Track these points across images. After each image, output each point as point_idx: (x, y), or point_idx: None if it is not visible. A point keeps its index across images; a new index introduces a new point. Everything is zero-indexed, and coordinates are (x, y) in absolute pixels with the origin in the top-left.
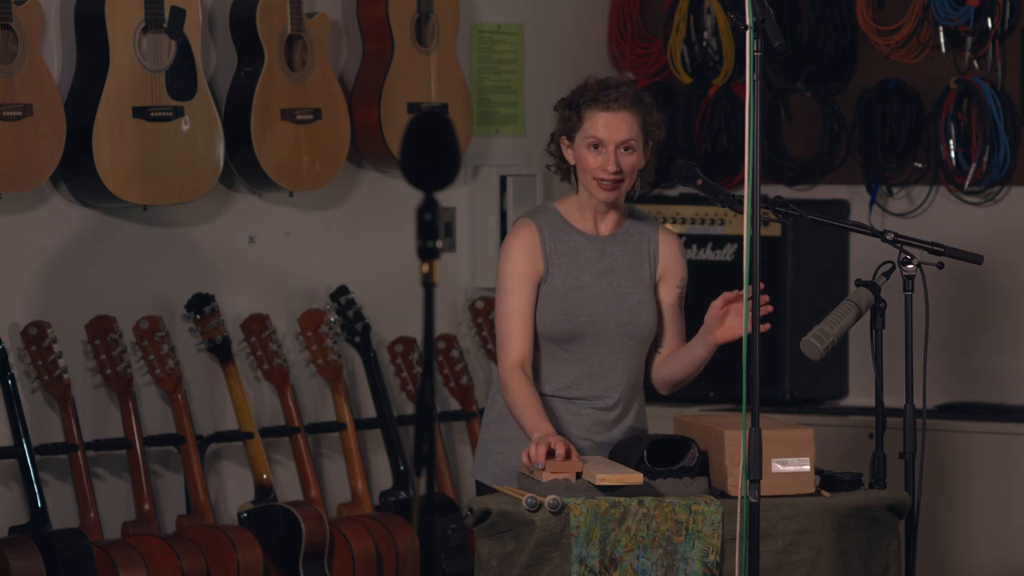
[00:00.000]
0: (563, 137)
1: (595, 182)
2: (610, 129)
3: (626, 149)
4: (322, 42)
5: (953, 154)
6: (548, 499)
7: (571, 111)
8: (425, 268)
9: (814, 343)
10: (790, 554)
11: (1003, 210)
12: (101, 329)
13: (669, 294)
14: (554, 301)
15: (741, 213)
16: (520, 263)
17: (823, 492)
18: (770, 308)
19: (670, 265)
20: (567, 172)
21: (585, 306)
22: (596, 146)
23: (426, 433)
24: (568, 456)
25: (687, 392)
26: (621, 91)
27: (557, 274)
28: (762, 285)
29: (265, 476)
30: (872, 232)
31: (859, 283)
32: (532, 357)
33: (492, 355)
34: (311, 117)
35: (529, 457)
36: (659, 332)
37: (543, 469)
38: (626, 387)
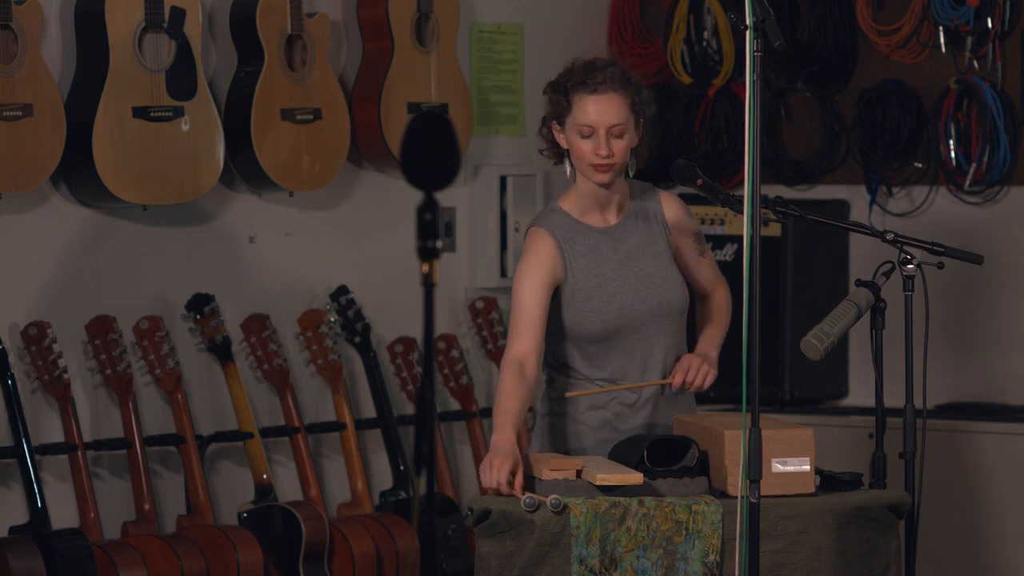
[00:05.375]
0: (554, 122)
1: (590, 168)
2: (599, 114)
3: (617, 136)
4: (322, 42)
5: (953, 154)
6: (549, 499)
7: (559, 95)
8: (425, 268)
9: (814, 343)
10: (790, 554)
11: (1003, 210)
12: (101, 329)
13: (689, 250)
14: (582, 303)
15: (741, 213)
16: (535, 268)
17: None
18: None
19: (679, 225)
20: (560, 156)
21: (613, 300)
22: (587, 133)
23: (426, 433)
24: (511, 482)
25: None
26: (608, 72)
27: (579, 276)
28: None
29: (265, 476)
30: (872, 232)
31: (859, 283)
32: (538, 356)
33: (492, 355)
34: (311, 117)
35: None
36: (697, 286)
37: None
38: (670, 364)
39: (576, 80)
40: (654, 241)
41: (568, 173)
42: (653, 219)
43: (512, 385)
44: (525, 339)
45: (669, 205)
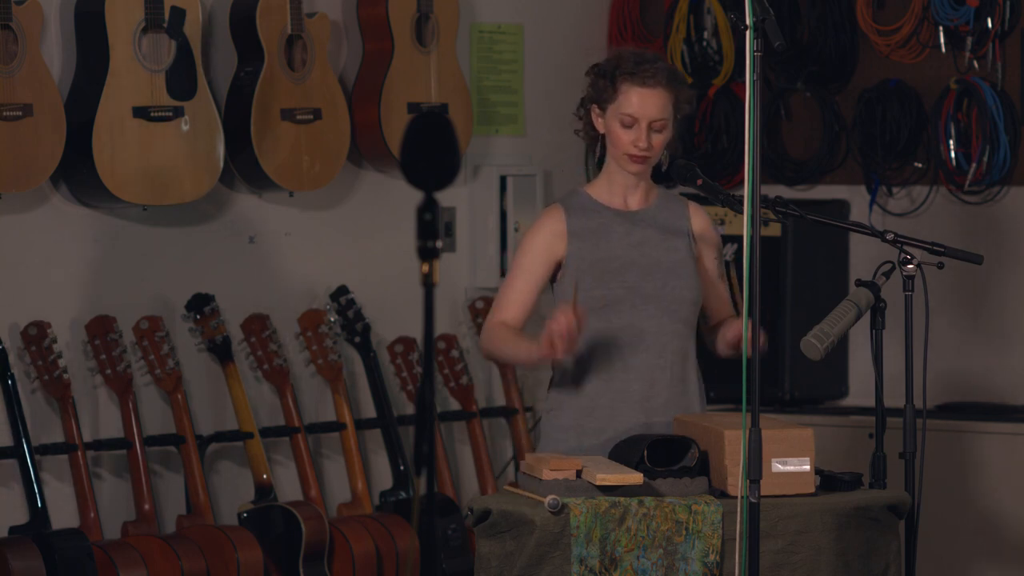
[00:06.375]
0: (594, 105)
1: (625, 156)
2: (644, 107)
3: (657, 130)
4: (322, 42)
5: (953, 154)
6: (548, 499)
7: (606, 80)
8: (425, 268)
9: (814, 343)
10: (790, 554)
11: (1003, 210)
12: (101, 329)
13: (711, 264)
14: (583, 272)
15: (741, 213)
16: (537, 243)
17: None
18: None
19: (705, 236)
20: (595, 140)
21: (617, 273)
22: (628, 123)
23: (426, 433)
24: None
25: None
26: (657, 66)
27: (585, 248)
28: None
29: (265, 476)
30: (872, 232)
31: (859, 283)
32: (523, 322)
33: None
34: (311, 117)
35: (555, 341)
36: (710, 310)
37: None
38: (674, 353)
39: (625, 69)
40: (673, 239)
41: (596, 156)
42: (677, 223)
43: (505, 327)
44: (508, 309)
45: (697, 215)
